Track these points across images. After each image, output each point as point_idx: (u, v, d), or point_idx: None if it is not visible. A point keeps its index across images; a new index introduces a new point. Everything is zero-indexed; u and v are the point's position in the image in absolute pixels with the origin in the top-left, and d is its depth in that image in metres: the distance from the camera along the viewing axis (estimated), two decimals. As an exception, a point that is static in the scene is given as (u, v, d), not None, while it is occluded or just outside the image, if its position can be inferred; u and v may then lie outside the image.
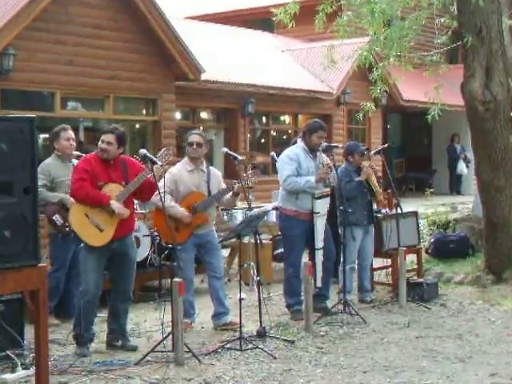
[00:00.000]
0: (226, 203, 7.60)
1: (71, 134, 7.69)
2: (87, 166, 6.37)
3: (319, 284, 7.63)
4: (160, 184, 6.52)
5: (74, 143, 7.73)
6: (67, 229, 7.28)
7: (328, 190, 7.72)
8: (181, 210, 7.09)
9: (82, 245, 6.46)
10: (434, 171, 22.92)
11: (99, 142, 6.45)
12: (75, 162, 7.56)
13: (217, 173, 7.51)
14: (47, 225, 7.43)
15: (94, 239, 6.33)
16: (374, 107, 10.39)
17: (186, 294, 6.66)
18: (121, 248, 6.47)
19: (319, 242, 7.59)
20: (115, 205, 6.31)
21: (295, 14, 9.84)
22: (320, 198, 7.57)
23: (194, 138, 7.26)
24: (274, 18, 10.10)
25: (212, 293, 7.34)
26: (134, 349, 6.50)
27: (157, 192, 6.52)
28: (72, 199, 6.84)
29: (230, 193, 7.30)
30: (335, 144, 8.50)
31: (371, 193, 8.42)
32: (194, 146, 7.23)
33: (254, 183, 7.41)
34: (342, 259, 7.97)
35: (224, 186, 7.40)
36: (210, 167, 7.53)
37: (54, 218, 7.30)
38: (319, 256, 7.61)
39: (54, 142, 7.60)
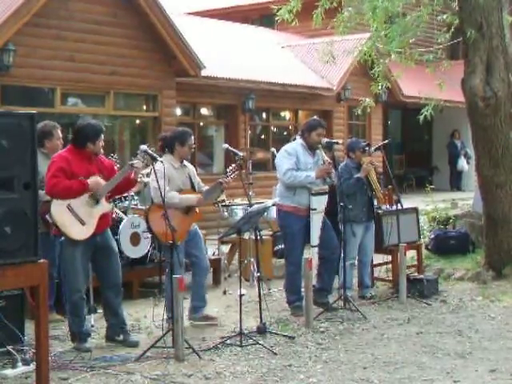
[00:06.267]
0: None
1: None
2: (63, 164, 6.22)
3: (314, 282, 7.58)
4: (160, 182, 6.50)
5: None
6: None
7: (326, 187, 7.70)
8: (193, 197, 7.07)
9: (62, 239, 6.31)
10: (435, 168, 22.89)
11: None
12: None
13: (191, 166, 7.49)
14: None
15: (78, 233, 6.21)
16: (373, 103, 10.38)
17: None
18: (104, 241, 6.41)
19: (315, 240, 7.54)
20: (93, 180, 6.20)
21: (296, 10, 9.82)
22: (317, 194, 7.56)
23: (193, 140, 7.26)
24: (277, 18, 10.07)
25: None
26: (136, 344, 6.47)
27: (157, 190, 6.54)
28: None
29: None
30: (335, 140, 8.49)
31: (371, 189, 8.40)
32: (193, 150, 7.31)
33: (233, 179, 7.34)
34: (342, 255, 7.97)
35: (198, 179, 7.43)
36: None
37: (47, 216, 7.21)
38: (315, 253, 7.58)
39: (44, 139, 7.27)
